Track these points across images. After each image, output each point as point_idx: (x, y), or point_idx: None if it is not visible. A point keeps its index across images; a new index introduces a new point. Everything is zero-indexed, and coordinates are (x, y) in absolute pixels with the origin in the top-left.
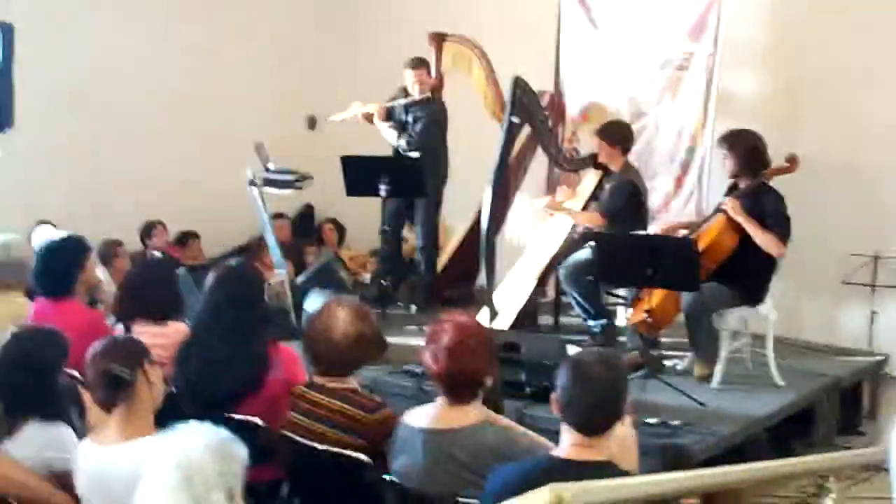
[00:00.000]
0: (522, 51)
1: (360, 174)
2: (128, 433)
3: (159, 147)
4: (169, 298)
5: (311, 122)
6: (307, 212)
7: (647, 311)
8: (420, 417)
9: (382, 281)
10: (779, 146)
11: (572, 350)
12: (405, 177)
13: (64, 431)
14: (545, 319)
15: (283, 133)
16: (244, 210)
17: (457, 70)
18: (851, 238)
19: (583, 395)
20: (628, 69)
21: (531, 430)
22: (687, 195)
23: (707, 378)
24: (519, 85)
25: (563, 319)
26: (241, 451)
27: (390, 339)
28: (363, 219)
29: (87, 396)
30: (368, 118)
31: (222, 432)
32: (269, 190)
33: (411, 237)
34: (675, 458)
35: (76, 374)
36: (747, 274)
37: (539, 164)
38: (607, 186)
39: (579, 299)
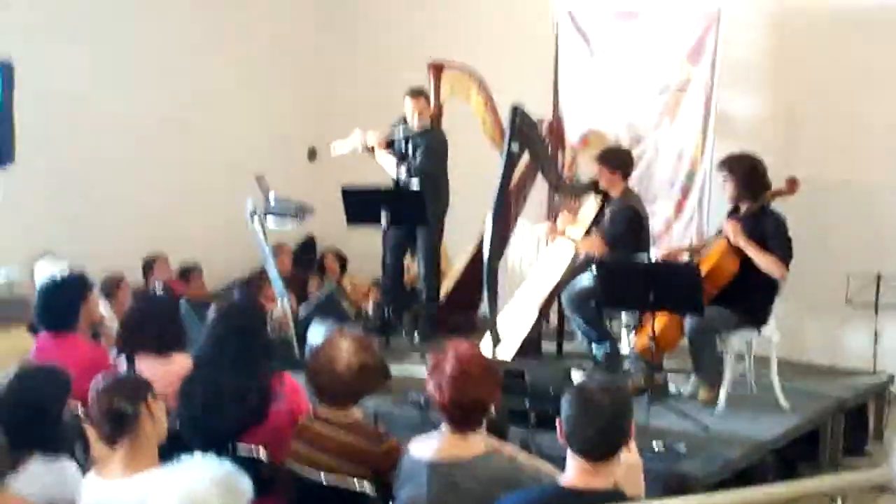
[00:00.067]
0: (521, 78)
1: (361, 204)
2: (132, 468)
3: (161, 180)
4: (171, 332)
5: (312, 154)
6: (309, 242)
7: (651, 336)
8: (425, 448)
9: (385, 310)
10: (778, 168)
11: (576, 376)
12: (406, 206)
13: (68, 467)
14: (549, 346)
15: (284, 164)
16: (246, 242)
17: (456, 98)
18: (853, 258)
19: (587, 422)
20: (626, 94)
21: (536, 457)
22: (688, 219)
23: (711, 402)
24: (518, 112)
25: (567, 346)
26: (245, 484)
27: (394, 369)
28: (365, 248)
29: (90, 431)
30: (370, 149)
31: (226, 465)
32: (270, 222)
33: (413, 266)
34: (680, 483)
35: (80, 409)
36: (750, 296)
37: (539, 190)
38: (608, 212)
39: (583, 325)
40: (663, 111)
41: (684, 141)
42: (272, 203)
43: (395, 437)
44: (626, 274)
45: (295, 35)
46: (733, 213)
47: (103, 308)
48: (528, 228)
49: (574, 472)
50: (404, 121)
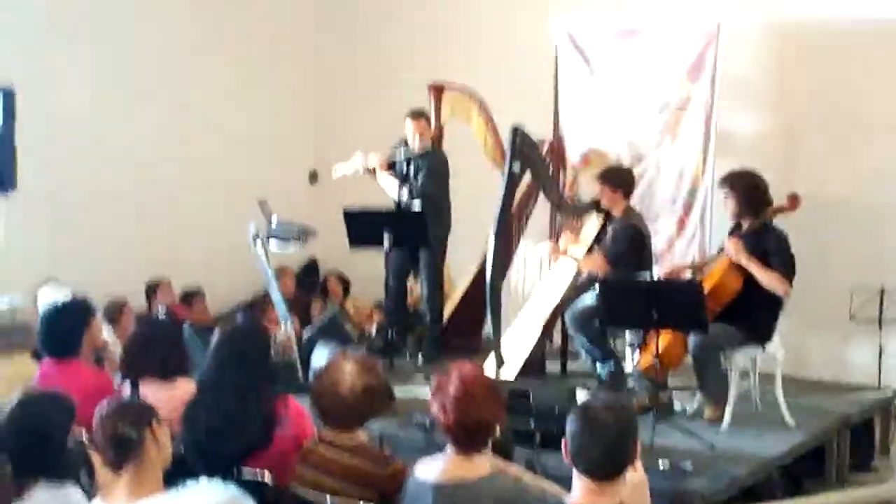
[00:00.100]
0: (521, 98)
1: (363, 226)
2: (137, 493)
3: (163, 204)
4: (175, 357)
5: (313, 177)
6: (311, 265)
7: (655, 354)
8: (430, 470)
9: (389, 332)
10: (779, 184)
11: (581, 396)
12: (408, 228)
13: (73, 493)
14: (553, 366)
15: (286, 187)
16: (249, 265)
17: (456, 119)
18: (856, 273)
19: (593, 441)
20: (627, 113)
21: (542, 477)
22: (690, 236)
23: (717, 419)
24: (518, 133)
25: (571, 365)
26: None
27: (398, 391)
28: (368, 271)
29: (95, 458)
30: (371, 171)
31: (232, 490)
32: (272, 245)
33: (416, 288)
34: (687, 502)
35: (84, 435)
36: (753, 313)
37: (541, 210)
38: (610, 231)
39: (586, 344)
40: (664, 129)
41: (685, 158)
42: (274, 226)
43: (400, 460)
44: (629, 292)
45: (295, 58)
46: (735, 230)
47: (107, 333)
48: (531, 249)
49: (580, 492)
50: (405, 143)
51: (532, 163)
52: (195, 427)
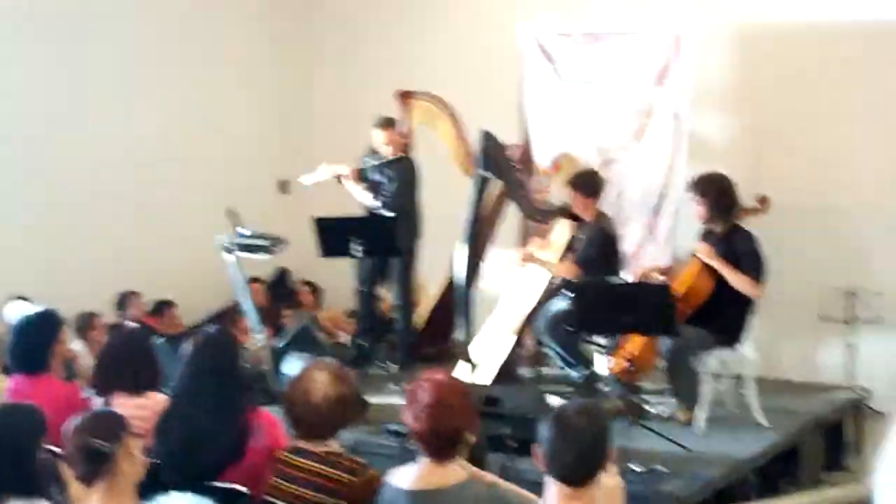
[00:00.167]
0: (489, 104)
1: (334, 235)
2: None
3: (132, 216)
4: (147, 369)
5: (283, 186)
6: (282, 275)
7: (627, 359)
8: (404, 478)
9: (360, 341)
10: (749, 187)
11: (553, 401)
12: (378, 236)
13: None
14: (525, 371)
15: (255, 197)
16: (220, 276)
17: (425, 127)
18: (826, 275)
19: (566, 447)
20: (595, 118)
21: (516, 483)
22: (660, 240)
23: (690, 422)
24: (487, 139)
25: (544, 370)
26: None
27: (371, 400)
28: (339, 279)
29: (67, 472)
30: (339, 179)
31: (206, 502)
32: (243, 255)
33: (387, 296)
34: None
35: (55, 449)
36: (725, 316)
37: (511, 216)
38: (581, 236)
39: (558, 349)
40: (632, 133)
41: (654, 163)
42: (244, 236)
43: (374, 468)
44: (601, 297)
45: (261, 67)
46: (706, 233)
47: (78, 346)
48: (501, 254)
49: (554, 498)
50: (374, 151)
51: (501, 169)
52: (168, 439)
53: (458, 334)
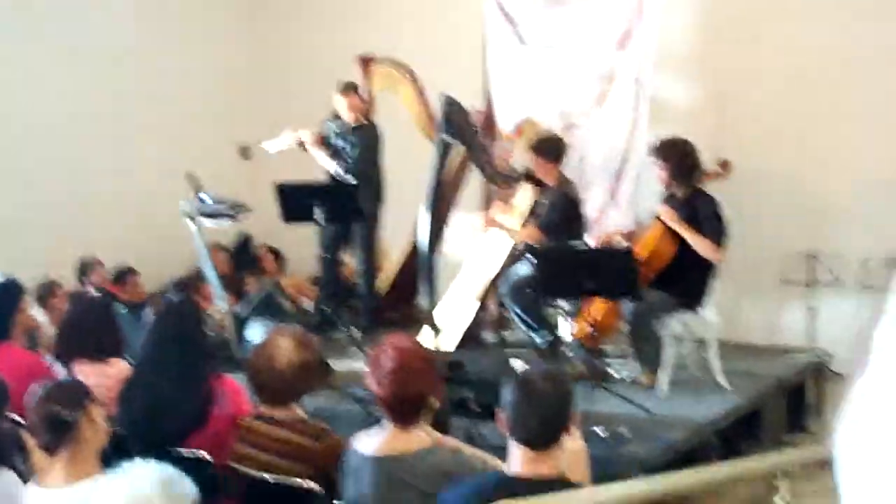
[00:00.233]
0: (451, 69)
1: (296, 201)
2: (74, 475)
3: (92, 183)
4: (109, 336)
5: (244, 152)
6: (245, 241)
7: (590, 323)
8: (369, 443)
9: (324, 307)
10: (711, 152)
11: (517, 365)
12: (341, 202)
13: (8, 477)
14: (488, 336)
15: (217, 163)
16: (182, 243)
17: (386, 91)
18: (787, 238)
19: (530, 411)
20: (557, 82)
21: (481, 448)
22: (622, 204)
23: (653, 385)
24: (449, 103)
25: (507, 335)
26: (189, 487)
27: (334, 365)
28: (301, 245)
29: (29, 440)
30: (302, 145)
31: (170, 469)
32: (205, 221)
33: (350, 261)
34: (625, 468)
35: (18, 418)
36: (687, 280)
37: (474, 181)
38: (543, 201)
39: (522, 314)
40: (595, 98)
41: (616, 127)
42: (207, 202)
43: (338, 434)
44: (563, 261)
45: (221, 31)
46: (668, 197)
47: (39, 315)
48: (464, 219)
49: (518, 462)
50: (337, 117)
51: (464, 133)
52: (131, 407)
53: (422, 299)
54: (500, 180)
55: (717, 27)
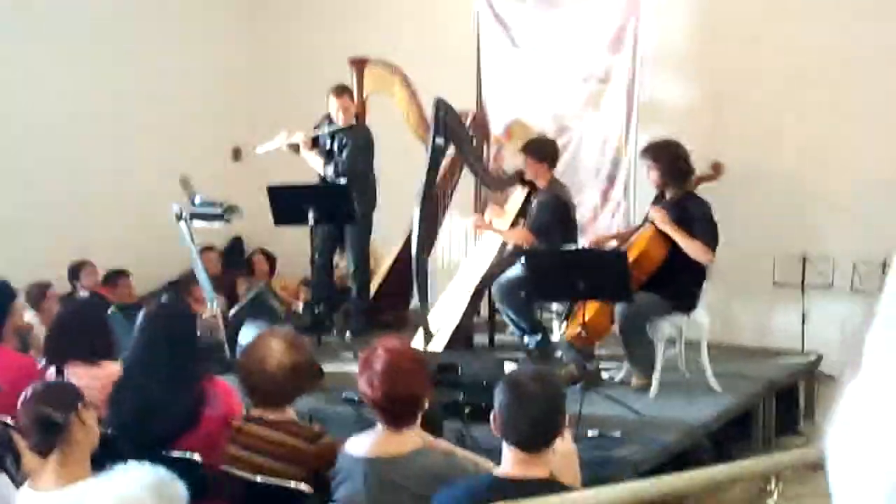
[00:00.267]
0: (443, 72)
1: (288, 203)
2: (65, 478)
3: (92, 183)
4: (100, 338)
5: (237, 154)
6: (237, 243)
7: (582, 325)
8: (360, 446)
9: (316, 309)
10: (704, 154)
11: (509, 368)
12: (333, 203)
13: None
14: (480, 338)
15: (209, 165)
16: (173, 245)
17: (379, 94)
18: (779, 240)
19: (521, 413)
20: (550, 85)
21: (473, 450)
22: (614, 207)
23: (644, 388)
24: (441, 106)
25: (499, 337)
26: (180, 490)
27: (326, 367)
28: (293, 248)
29: (21, 442)
30: (294, 148)
31: (161, 471)
32: (197, 223)
33: (342, 264)
34: (617, 470)
35: (8, 420)
36: (678, 282)
37: (466, 183)
38: (535, 203)
39: (513, 316)
40: (587, 100)
41: (609, 129)
42: (198, 204)
43: (330, 436)
44: (555, 263)
45: (215, 33)
46: (659, 199)
47: (31, 317)
48: (456, 222)
49: (510, 464)
50: (329, 118)
51: (456, 136)
52: (122, 409)
53: (414, 302)
54: (493, 183)
55: (713, 27)
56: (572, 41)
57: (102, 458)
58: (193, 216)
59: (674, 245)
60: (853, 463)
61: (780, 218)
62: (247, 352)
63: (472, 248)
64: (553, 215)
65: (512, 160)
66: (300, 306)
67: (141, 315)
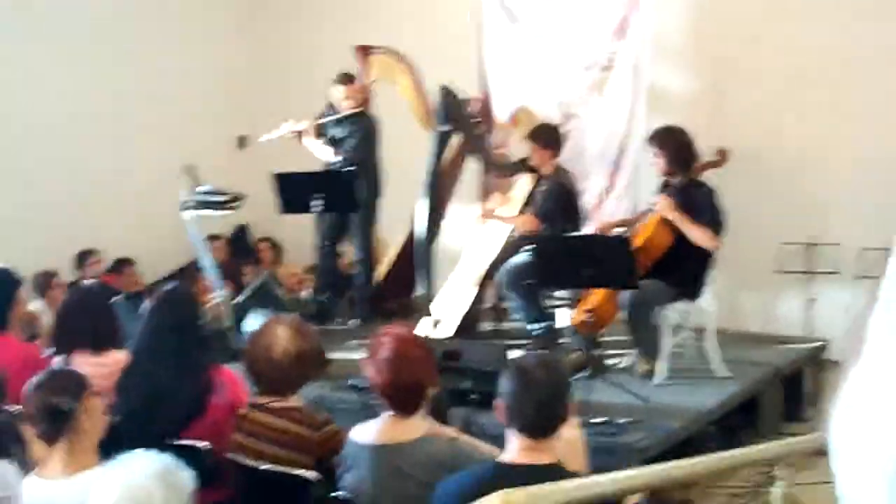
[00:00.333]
0: (448, 59)
1: (293, 191)
2: (72, 466)
3: (91, 174)
4: (106, 327)
5: (242, 142)
6: (242, 231)
7: (588, 311)
8: (367, 433)
9: (321, 297)
10: (709, 140)
11: (514, 355)
12: (338, 191)
13: (6, 468)
14: (486, 325)
15: (214, 153)
16: (179, 233)
17: (384, 81)
18: (784, 227)
19: (527, 399)
20: (555, 72)
21: (479, 437)
22: (620, 193)
23: (650, 374)
24: (446, 94)
25: (505, 324)
26: (187, 477)
27: (332, 355)
28: (299, 235)
29: (28, 431)
30: (298, 136)
31: (167, 459)
32: (202, 212)
33: (348, 251)
34: (622, 457)
35: (15, 409)
36: (684, 268)
37: (471, 171)
38: (540, 190)
39: (519, 303)
40: (592, 87)
41: (614, 116)
42: (204, 192)
43: (336, 423)
44: (560, 251)
45: (219, 22)
46: (665, 186)
47: (37, 305)
48: (461, 209)
49: (516, 451)
50: (333, 107)
51: (461, 123)
52: (129, 397)
53: (419, 289)
54: (498, 170)
55: (717, 15)
56: (577, 28)
57: (109, 447)
58: (199, 205)
59: (680, 232)
60: (855, 447)
61: (785, 205)
62: (253, 340)
63: (477, 235)
64: (558, 202)
65: (517, 147)
66: (306, 294)
67: (147, 303)
